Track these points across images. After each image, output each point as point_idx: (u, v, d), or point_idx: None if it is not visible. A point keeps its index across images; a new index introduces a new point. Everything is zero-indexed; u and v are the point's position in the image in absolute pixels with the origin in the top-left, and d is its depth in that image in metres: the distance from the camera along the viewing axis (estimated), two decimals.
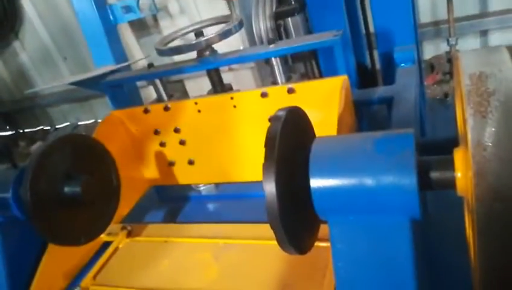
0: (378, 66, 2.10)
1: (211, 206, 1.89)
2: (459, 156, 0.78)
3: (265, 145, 0.85)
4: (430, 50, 2.88)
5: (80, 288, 1.31)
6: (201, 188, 1.94)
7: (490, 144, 0.60)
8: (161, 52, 1.52)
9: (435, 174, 0.80)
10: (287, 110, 0.91)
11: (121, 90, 1.86)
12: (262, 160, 1.58)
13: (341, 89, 1.27)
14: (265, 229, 1.34)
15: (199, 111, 1.56)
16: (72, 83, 2.16)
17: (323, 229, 1.23)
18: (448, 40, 2.08)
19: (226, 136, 1.58)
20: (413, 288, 0.80)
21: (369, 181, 0.80)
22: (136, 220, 1.69)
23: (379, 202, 0.80)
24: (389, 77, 1.75)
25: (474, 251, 0.69)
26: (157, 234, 1.51)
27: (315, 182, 0.84)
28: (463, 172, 0.76)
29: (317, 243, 1.21)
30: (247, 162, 1.60)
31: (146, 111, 1.64)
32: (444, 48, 2.64)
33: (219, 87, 1.61)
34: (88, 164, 1.29)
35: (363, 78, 1.94)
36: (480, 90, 0.64)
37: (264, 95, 1.43)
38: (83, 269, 1.43)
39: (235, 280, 1.20)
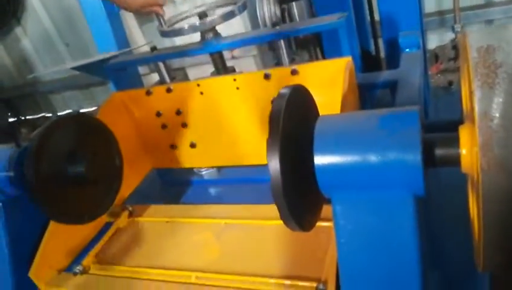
0: (382, 54, 2.09)
1: (212, 190, 1.90)
2: (464, 132, 0.77)
3: (270, 121, 0.84)
4: (435, 39, 2.86)
5: (81, 266, 1.31)
6: (204, 172, 1.94)
7: (497, 115, 0.59)
8: (164, 34, 1.51)
9: (439, 151, 0.80)
10: (291, 87, 0.91)
11: (124, 74, 1.85)
12: (265, 143, 1.59)
13: (345, 70, 1.26)
14: (268, 209, 1.36)
15: (201, 93, 1.56)
16: (74, 68, 2.15)
17: (326, 210, 1.24)
18: (453, 27, 2.06)
19: (229, 119, 1.57)
20: (416, 264, 0.80)
21: (373, 157, 0.80)
22: (137, 203, 1.69)
23: (383, 178, 0.80)
24: (393, 62, 1.74)
25: (479, 227, 0.69)
26: (159, 214, 1.51)
27: (319, 159, 0.83)
28: (468, 149, 0.76)
29: (319, 223, 1.22)
30: (250, 145, 1.60)
31: (148, 93, 1.64)
32: (448, 37, 2.63)
33: (222, 70, 1.60)
34: (91, 144, 1.29)
35: (367, 65, 1.93)
36: (487, 63, 0.63)
37: (267, 76, 1.42)
38: (84, 249, 1.43)
39: (237, 258, 1.20)
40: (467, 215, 0.84)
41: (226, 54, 1.86)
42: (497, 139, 0.58)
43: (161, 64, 1.65)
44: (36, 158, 1.13)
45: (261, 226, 1.31)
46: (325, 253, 1.10)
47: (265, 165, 1.81)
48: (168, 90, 1.60)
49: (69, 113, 1.25)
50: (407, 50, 1.60)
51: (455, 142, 0.78)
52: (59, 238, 1.36)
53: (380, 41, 2.05)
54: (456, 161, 0.79)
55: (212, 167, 1.94)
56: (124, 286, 1.22)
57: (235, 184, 1.86)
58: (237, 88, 1.49)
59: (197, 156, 1.73)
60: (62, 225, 1.33)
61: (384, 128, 0.81)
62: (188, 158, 1.75)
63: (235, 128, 1.59)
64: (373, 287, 0.84)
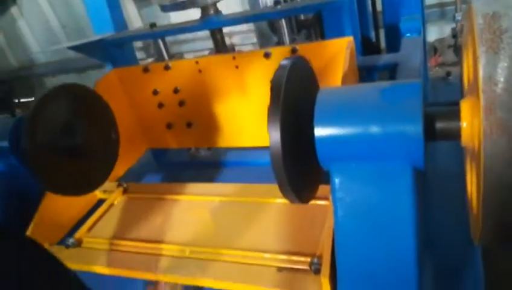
0: (383, 44, 2.09)
1: (208, 172, 1.88)
2: (465, 105, 0.77)
3: (271, 90, 0.83)
4: (434, 32, 2.87)
5: (74, 239, 1.30)
6: (201, 154, 1.93)
7: (501, 80, 0.59)
8: (164, 8, 1.49)
9: (440, 124, 0.80)
10: (292, 59, 0.90)
11: (121, 54, 1.83)
12: (264, 124, 1.58)
13: (346, 49, 1.25)
14: (264, 189, 1.35)
15: (200, 71, 1.54)
16: (71, 48, 2.12)
17: (322, 189, 1.23)
18: (454, 16, 2.06)
19: (227, 98, 1.56)
20: (412, 237, 0.80)
21: (374, 128, 0.79)
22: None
23: (383, 149, 0.79)
24: (393, 47, 1.74)
25: (478, 199, 0.68)
26: (154, 191, 1.50)
27: (319, 130, 0.83)
28: (469, 121, 0.76)
29: (315, 202, 1.22)
30: (248, 126, 1.59)
31: (146, 70, 1.62)
32: (448, 30, 2.63)
33: (222, 48, 1.59)
34: (87, 115, 1.27)
35: (367, 52, 1.92)
36: (493, 29, 0.63)
37: (267, 55, 1.41)
38: (77, 223, 1.42)
39: (232, 234, 1.19)
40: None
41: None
42: (500, 103, 0.58)
43: (160, 42, 1.63)
44: (32, 127, 1.11)
45: (257, 204, 1.30)
46: (320, 230, 1.09)
47: (263, 148, 1.81)
48: (166, 68, 1.58)
49: (65, 83, 1.21)
50: (408, 35, 1.60)
51: (456, 115, 0.78)
52: (52, 212, 1.35)
53: (381, 33, 2.05)
54: (456, 133, 0.78)
55: (209, 149, 1.93)
56: (117, 259, 1.21)
57: (232, 167, 1.85)
58: (236, 67, 1.48)
59: (194, 136, 1.71)
60: (55, 198, 1.32)
61: (386, 99, 0.80)
62: (184, 138, 1.74)
63: (233, 108, 1.58)
64: (369, 261, 0.83)
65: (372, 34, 2.11)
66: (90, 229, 1.37)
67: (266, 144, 1.58)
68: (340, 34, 1.38)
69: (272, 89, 0.83)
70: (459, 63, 1.11)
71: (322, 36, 1.91)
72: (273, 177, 0.93)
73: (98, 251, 1.26)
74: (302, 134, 0.86)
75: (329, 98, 0.86)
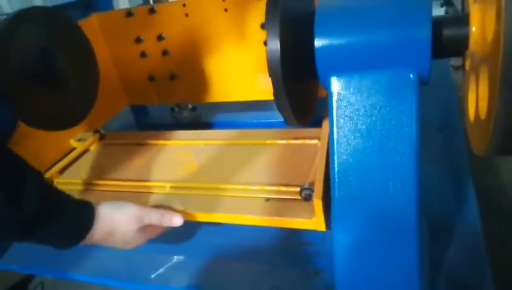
0: None
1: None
2: (475, 10, 0.72)
3: None
4: None
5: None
6: (184, 114, 1.85)
7: None
8: None
9: (447, 32, 0.76)
10: None
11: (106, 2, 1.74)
12: (254, 77, 1.50)
13: None
14: (253, 133, 1.28)
15: (187, 15, 1.46)
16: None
17: (313, 131, 1.17)
18: None
19: (215, 46, 1.48)
20: (414, 151, 0.75)
21: (379, 32, 0.75)
22: None
23: (388, 55, 0.75)
24: None
25: (490, 102, 0.63)
26: (134, 138, 1.41)
27: (320, 39, 0.77)
28: (478, 26, 0.72)
29: (305, 141, 1.16)
30: (238, 78, 1.51)
31: (129, 14, 1.52)
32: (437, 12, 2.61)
33: None
34: (66, 44, 1.17)
35: None
36: None
37: None
38: (48, 168, 1.31)
39: (217, 173, 1.12)
40: None
41: None
42: None
43: None
44: (4, 48, 1.01)
45: (243, 147, 1.23)
46: (310, 165, 1.03)
47: (251, 110, 1.73)
48: (151, 11, 1.49)
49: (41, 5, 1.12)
50: None
51: (465, 21, 0.74)
52: (24, 152, 1.24)
53: None
54: (464, 40, 0.74)
55: (193, 109, 1.85)
56: (90, 197, 1.11)
57: (217, 128, 1.77)
58: (225, 10, 1.40)
59: (178, 90, 1.63)
60: (26, 139, 1.22)
61: (392, 2, 0.75)
62: (167, 92, 1.65)
63: (222, 58, 1.50)
64: (369, 177, 0.78)
65: None
66: (61, 171, 1.27)
67: (256, 98, 1.53)
68: None
69: None
70: None
71: None
72: None
73: (71, 191, 1.16)
74: (301, 45, 0.80)
75: (330, 6, 0.80)
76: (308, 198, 0.88)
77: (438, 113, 1.57)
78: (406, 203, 0.76)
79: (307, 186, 0.89)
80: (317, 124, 1.14)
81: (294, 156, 1.12)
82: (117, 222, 0.85)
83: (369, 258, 0.82)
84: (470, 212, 1.07)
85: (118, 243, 0.88)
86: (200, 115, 1.87)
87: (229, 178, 1.07)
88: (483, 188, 1.95)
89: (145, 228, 0.91)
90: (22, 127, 1.20)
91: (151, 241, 1.16)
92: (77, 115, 1.21)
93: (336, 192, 0.80)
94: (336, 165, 0.79)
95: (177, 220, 0.94)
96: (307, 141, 1.16)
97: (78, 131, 1.46)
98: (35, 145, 1.27)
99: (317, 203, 0.83)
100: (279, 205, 0.94)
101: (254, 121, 1.72)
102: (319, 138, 1.12)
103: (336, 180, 0.80)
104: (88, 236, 0.81)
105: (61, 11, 1.17)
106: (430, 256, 0.96)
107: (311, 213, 0.86)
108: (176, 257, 1.13)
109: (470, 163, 1.23)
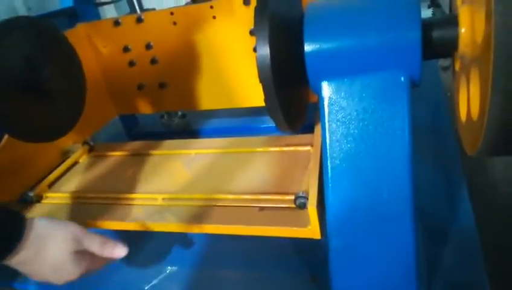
0: None
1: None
2: (464, 11, 0.73)
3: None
4: None
5: (33, 194, 1.17)
6: (175, 122, 1.83)
7: None
8: None
9: (437, 33, 0.76)
10: None
11: (91, 10, 1.71)
12: (244, 83, 1.49)
13: None
14: (243, 141, 1.27)
15: (175, 23, 1.45)
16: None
17: (305, 137, 1.17)
18: None
19: (203, 54, 1.47)
20: (407, 152, 0.75)
21: (369, 35, 0.75)
22: None
23: (379, 58, 0.75)
24: None
25: (482, 99, 0.63)
26: (123, 149, 1.38)
27: (310, 44, 0.77)
28: (468, 27, 0.72)
29: (297, 148, 1.15)
30: (227, 85, 1.50)
31: (116, 24, 1.51)
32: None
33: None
34: (51, 54, 1.15)
35: None
36: None
37: (247, 2, 1.33)
38: (39, 181, 1.29)
39: (209, 182, 1.10)
40: None
41: None
42: None
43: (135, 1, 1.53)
44: None
45: (235, 155, 1.21)
46: (303, 173, 1.02)
47: (241, 115, 1.71)
48: (139, 20, 1.48)
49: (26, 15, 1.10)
50: None
51: (454, 22, 0.74)
52: (9, 169, 1.21)
53: None
54: (453, 42, 0.74)
55: (183, 116, 1.84)
56: (81, 211, 1.10)
57: (207, 135, 1.76)
58: (214, 17, 1.39)
59: (168, 98, 1.61)
60: (13, 152, 1.20)
61: (381, 5, 0.75)
62: (157, 101, 1.63)
63: (211, 65, 1.49)
64: (362, 178, 0.77)
65: None
66: (51, 185, 1.24)
67: (247, 104, 1.52)
68: None
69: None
70: None
71: None
72: None
73: (61, 205, 1.14)
74: (290, 50, 0.80)
75: (319, 10, 0.80)
76: (302, 206, 0.88)
77: (428, 114, 1.58)
78: (400, 207, 0.75)
79: (301, 194, 0.88)
80: (309, 128, 1.14)
81: (287, 164, 1.11)
82: (51, 237, 0.70)
83: (364, 263, 0.81)
84: (464, 213, 1.07)
85: (45, 269, 0.70)
86: (189, 122, 1.86)
87: (221, 187, 1.06)
88: (475, 187, 1.96)
89: (83, 255, 0.74)
90: (9, 137, 1.18)
91: (144, 253, 1.15)
92: (64, 126, 1.18)
93: (329, 197, 0.80)
94: (329, 170, 0.79)
95: (120, 252, 0.78)
96: (300, 148, 1.15)
97: (67, 142, 1.44)
98: (25, 154, 1.25)
99: (312, 211, 0.82)
100: (274, 214, 0.92)
101: (245, 126, 1.72)
102: (311, 145, 1.11)
103: (330, 185, 0.79)
104: (15, 250, 0.66)
105: (46, 21, 1.15)
106: (426, 258, 0.96)
107: (306, 221, 0.85)
108: (169, 267, 1.11)
109: (462, 163, 1.24)
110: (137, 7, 1.56)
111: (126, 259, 0.88)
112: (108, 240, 0.78)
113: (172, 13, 1.43)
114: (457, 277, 0.92)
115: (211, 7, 1.38)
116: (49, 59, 1.13)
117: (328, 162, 0.79)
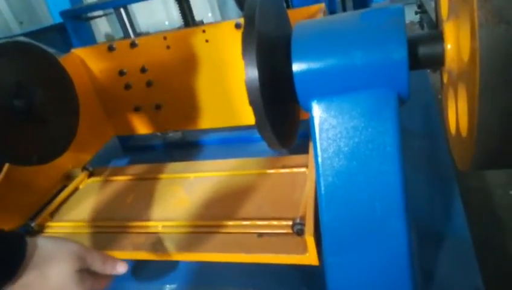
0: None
1: (178, 153, 1.80)
2: (449, 27, 0.74)
3: (244, 20, 0.78)
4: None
5: (35, 224, 1.18)
6: (169, 134, 1.85)
7: None
8: None
9: (423, 49, 0.77)
10: None
11: (82, 26, 1.73)
12: (236, 103, 1.51)
13: (319, 15, 1.22)
14: (237, 163, 1.29)
15: (168, 47, 1.47)
16: (26, 34, 2.00)
17: (301, 158, 1.18)
18: None
19: (197, 76, 1.49)
20: (398, 168, 0.76)
21: (356, 54, 0.76)
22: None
23: (366, 77, 0.76)
24: None
25: (470, 117, 0.65)
26: (122, 174, 1.40)
27: (297, 65, 0.78)
28: (453, 43, 0.73)
29: (293, 169, 1.16)
30: (221, 105, 1.53)
31: (111, 48, 1.53)
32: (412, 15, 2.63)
33: (191, 24, 1.53)
34: (42, 78, 1.16)
35: None
36: None
37: (238, 26, 1.36)
38: (37, 211, 1.30)
39: (208, 208, 1.12)
40: None
41: None
42: None
43: (125, 17, 1.55)
44: None
45: (232, 178, 1.23)
46: (300, 195, 1.03)
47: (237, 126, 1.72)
48: (133, 45, 1.50)
49: (14, 40, 1.11)
50: (376, 0, 1.59)
51: (439, 38, 0.75)
52: (9, 198, 1.22)
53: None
54: (440, 58, 0.76)
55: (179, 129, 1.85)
56: (84, 239, 1.10)
57: (202, 146, 1.79)
58: (206, 41, 1.42)
59: (163, 118, 1.63)
60: (13, 182, 1.21)
61: (367, 24, 0.77)
62: (153, 122, 1.65)
63: (204, 87, 1.51)
64: (354, 199, 0.78)
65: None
66: (52, 213, 1.25)
67: (241, 122, 1.54)
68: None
69: (245, 17, 0.77)
70: None
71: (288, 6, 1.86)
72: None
73: (63, 234, 1.15)
74: (279, 71, 0.81)
75: (306, 30, 0.81)
76: (300, 233, 0.89)
77: (419, 118, 1.58)
78: (394, 223, 0.76)
79: (298, 221, 0.90)
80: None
81: (283, 187, 1.12)
82: (55, 257, 0.68)
83: (361, 278, 0.82)
84: (458, 219, 1.07)
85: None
86: (185, 134, 1.87)
87: (221, 213, 1.07)
88: (468, 191, 1.98)
89: (86, 274, 0.72)
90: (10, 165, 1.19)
91: (143, 270, 1.15)
92: (59, 147, 1.19)
93: (324, 214, 0.80)
94: (322, 188, 0.79)
95: (121, 268, 0.77)
96: (295, 170, 1.16)
97: (67, 165, 1.45)
98: (25, 182, 1.26)
99: (310, 239, 0.83)
100: (272, 241, 0.93)
101: (239, 137, 1.74)
102: (306, 166, 1.13)
103: (324, 202, 0.80)
104: (18, 273, 0.63)
105: (35, 44, 1.16)
106: (420, 266, 0.96)
107: (304, 248, 0.86)
108: (168, 286, 1.11)
109: (455, 167, 1.24)
110: (130, 31, 1.58)
111: (126, 277, 0.86)
112: (109, 256, 0.77)
113: (165, 38, 1.46)
114: (453, 284, 0.92)
115: (204, 31, 1.40)
116: (40, 82, 1.13)
117: (321, 179, 0.79)
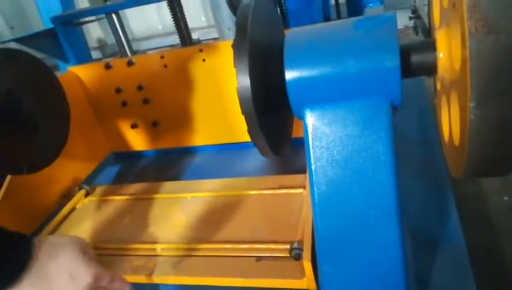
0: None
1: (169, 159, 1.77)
2: (441, 35, 0.75)
3: (236, 28, 0.78)
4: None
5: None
6: None
7: None
8: None
9: (415, 58, 0.77)
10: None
11: (73, 32, 1.75)
12: (233, 120, 1.51)
13: None
14: (234, 182, 1.29)
15: (165, 66, 1.48)
16: (17, 40, 1.99)
17: (298, 178, 1.16)
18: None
19: (194, 94, 1.51)
20: (391, 177, 0.75)
21: (348, 63, 0.75)
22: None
23: (359, 85, 0.75)
24: None
25: (462, 125, 0.65)
26: (119, 193, 1.39)
27: (290, 73, 0.77)
28: (445, 51, 0.74)
29: (290, 190, 1.16)
30: (217, 122, 1.54)
31: (108, 67, 1.54)
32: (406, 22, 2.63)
33: (188, 42, 1.54)
34: (33, 86, 1.15)
35: None
36: None
37: None
38: (35, 230, 1.29)
39: (206, 229, 1.11)
40: None
41: None
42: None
43: (116, 22, 1.56)
44: None
45: (229, 198, 1.22)
46: (298, 218, 1.03)
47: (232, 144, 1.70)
48: (130, 64, 1.51)
49: (4, 48, 1.10)
50: (370, 5, 1.59)
51: (431, 47, 0.75)
52: (7, 218, 1.22)
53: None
54: (432, 66, 0.76)
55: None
56: None
57: (200, 152, 1.75)
58: (203, 60, 1.43)
59: (160, 136, 1.64)
60: (10, 203, 1.20)
61: (359, 32, 0.76)
62: (150, 139, 1.66)
63: (201, 105, 1.52)
64: (350, 206, 0.77)
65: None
66: (50, 234, 1.24)
67: (238, 139, 1.54)
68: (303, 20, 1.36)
69: (237, 27, 0.77)
70: None
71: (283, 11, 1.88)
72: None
73: None
74: (271, 79, 0.80)
75: (299, 38, 0.81)
76: (298, 257, 0.88)
77: (414, 124, 1.57)
78: (388, 232, 0.75)
79: (296, 245, 0.89)
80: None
81: (281, 208, 1.11)
82: (59, 248, 0.69)
83: (355, 286, 0.80)
84: (452, 226, 1.05)
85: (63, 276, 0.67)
86: None
87: (218, 235, 1.07)
88: (463, 197, 1.97)
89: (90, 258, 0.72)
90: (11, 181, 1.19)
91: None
92: (44, 160, 1.17)
93: (317, 224, 0.79)
94: (315, 196, 0.78)
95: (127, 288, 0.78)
96: (292, 191, 1.16)
97: (65, 182, 1.45)
98: (21, 200, 1.26)
99: (307, 265, 0.83)
100: (270, 265, 0.93)
101: (236, 143, 1.71)
102: (304, 186, 1.13)
103: (317, 212, 0.78)
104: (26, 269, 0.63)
105: (25, 52, 1.15)
106: (415, 273, 0.95)
107: (302, 272, 0.85)
108: None
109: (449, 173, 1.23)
110: (127, 49, 1.60)
111: None
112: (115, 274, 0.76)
113: (162, 57, 1.47)
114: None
115: (201, 50, 1.41)
116: (30, 90, 1.12)
117: (315, 188, 0.78)
